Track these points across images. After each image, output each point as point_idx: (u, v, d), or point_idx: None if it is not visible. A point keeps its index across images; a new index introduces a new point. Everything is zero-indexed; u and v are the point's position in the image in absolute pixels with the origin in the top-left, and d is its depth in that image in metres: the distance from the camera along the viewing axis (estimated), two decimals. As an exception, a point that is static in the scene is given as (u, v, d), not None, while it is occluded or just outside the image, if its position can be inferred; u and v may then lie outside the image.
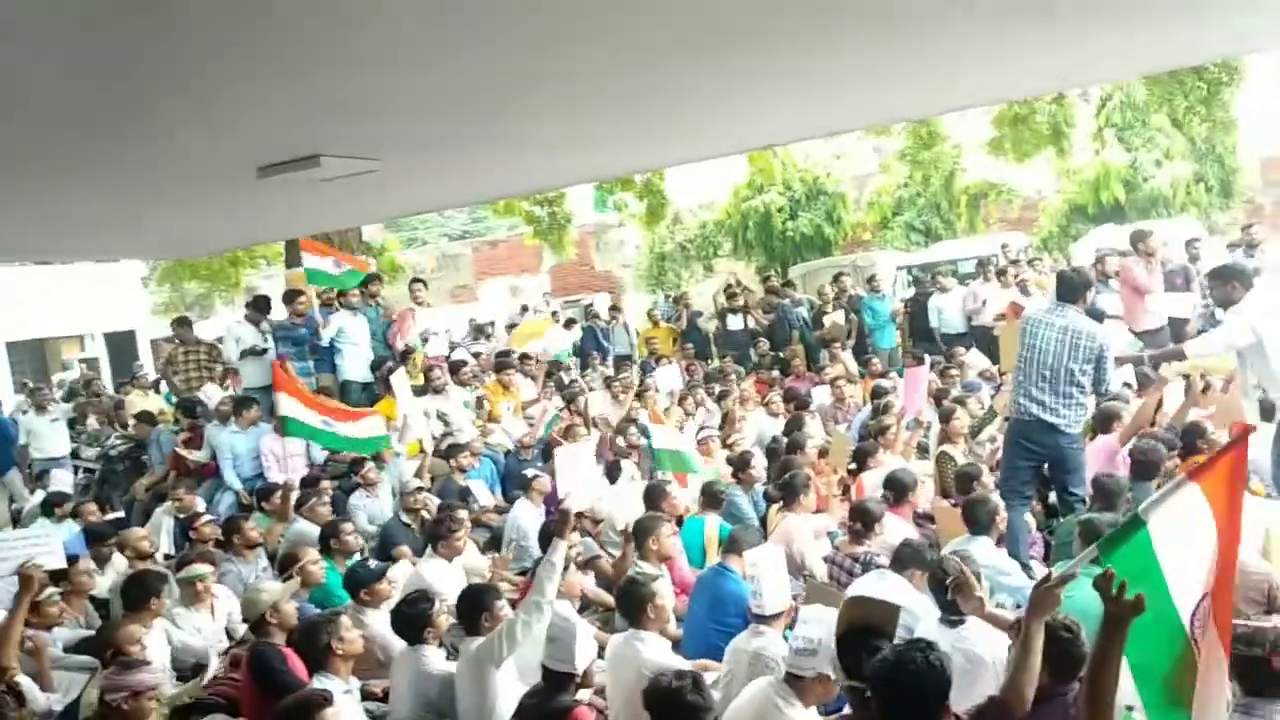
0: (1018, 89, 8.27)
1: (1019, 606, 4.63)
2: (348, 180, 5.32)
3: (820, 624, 3.57)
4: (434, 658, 4.56)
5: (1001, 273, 12.24)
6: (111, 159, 4.37)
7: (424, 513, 7.17)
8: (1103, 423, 6.56)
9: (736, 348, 12.83)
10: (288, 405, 8.04)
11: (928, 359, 9.42)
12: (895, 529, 5.59)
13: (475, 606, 4.47)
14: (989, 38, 4.56)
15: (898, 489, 6.05)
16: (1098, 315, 9.80)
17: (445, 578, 5.85)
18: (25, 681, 4.85)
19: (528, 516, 7.09)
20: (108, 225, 6.66)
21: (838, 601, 4.85)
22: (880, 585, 4.61)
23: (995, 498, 5.26)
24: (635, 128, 5.53)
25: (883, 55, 4.59)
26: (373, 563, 5.99)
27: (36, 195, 5.10)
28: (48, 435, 11.46)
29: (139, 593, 5.29)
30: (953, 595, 3.80)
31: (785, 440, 7.90)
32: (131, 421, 10.90)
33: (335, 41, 3.13)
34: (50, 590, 5.51)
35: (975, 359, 10.48)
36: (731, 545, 5.29)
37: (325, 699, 3.46)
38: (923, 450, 7.92)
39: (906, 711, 2.78)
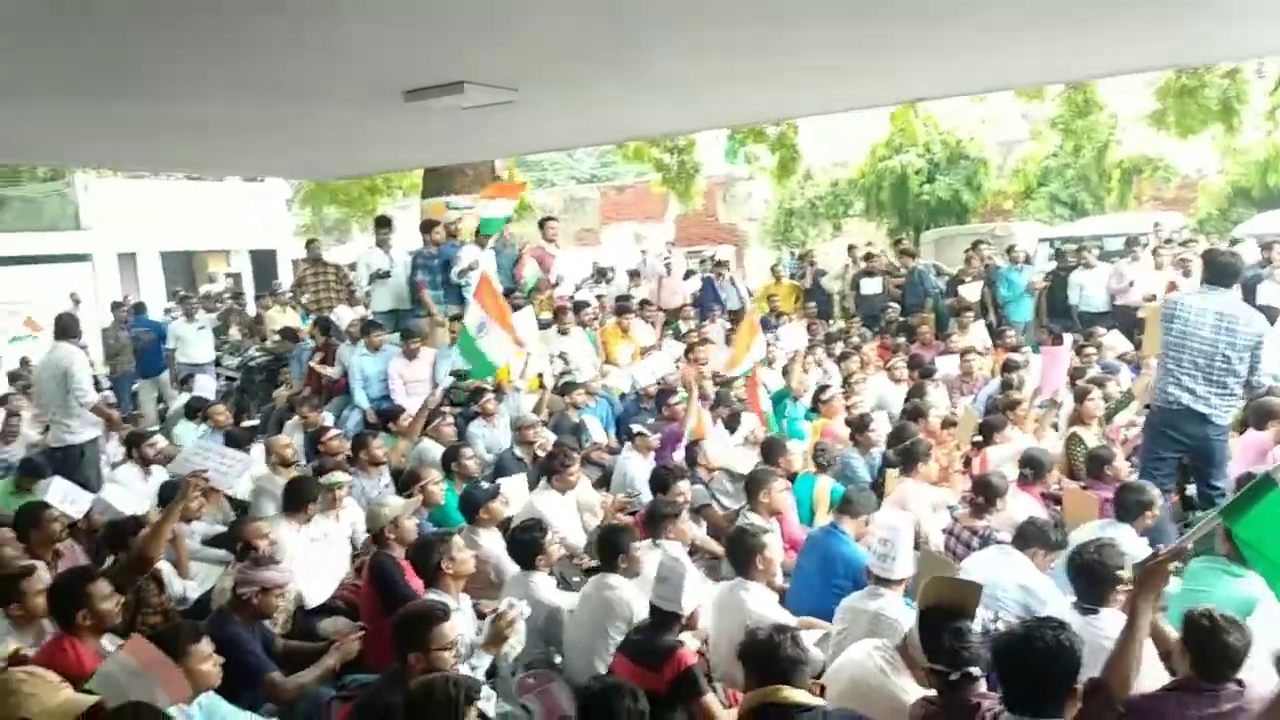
0: (1193, 55, 7.71)
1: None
2: (485, 112, 5.39)
3: None
4: (544, 585, 4.67)
5: (1154, 252, 11.57)
6: (268, 78, 4.51)
7: (538, 447, 7.31)
8: (1260, 418, 6.15)
9: (870, 311, 12.53)
10: (471, 316, 7.91)
11: (1068, 338, 9.02)
12: (1020, 506, 5.41)
13: (613, 548, 4.49)
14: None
15: (1035, 468, 5.85)
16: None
17: (558, 510, 5.97)
18: (166, 569, 5.20)
19: (635, 465, 7.16)
20: (260, 143, 6.92)
21: (952, 573, 4.77)
22: (1001, 561, 4.49)
23: (1154, 491, 5.00)
24: (773, 74, 5.39)
25: (1041, 6, 4.34)
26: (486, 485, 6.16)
27: (196, 112, 5.32)
28: (194, 342, 12.15)
29: (298, 497, 5.59)
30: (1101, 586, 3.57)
31: (909, 407, 7.71)
32: (274, 336, 11.42)
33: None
34: (191, 484, 5.86)
35: (1115, 340, 9.98)
36: (844, 507, 5.21)
37: (445, 612, 3.56)
38: (1053, 429, 7.61)
39: (1031, 690, 2.67)
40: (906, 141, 20.07)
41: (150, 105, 4.97)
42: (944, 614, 3.19)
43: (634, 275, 14.52)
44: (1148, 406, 5.69)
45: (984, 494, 5.32)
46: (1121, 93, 17.47)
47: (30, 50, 3.83)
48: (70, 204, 21.77)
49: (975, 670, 3.02)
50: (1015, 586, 4.31)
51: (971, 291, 12.06)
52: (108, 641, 3.89)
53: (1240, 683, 2.85)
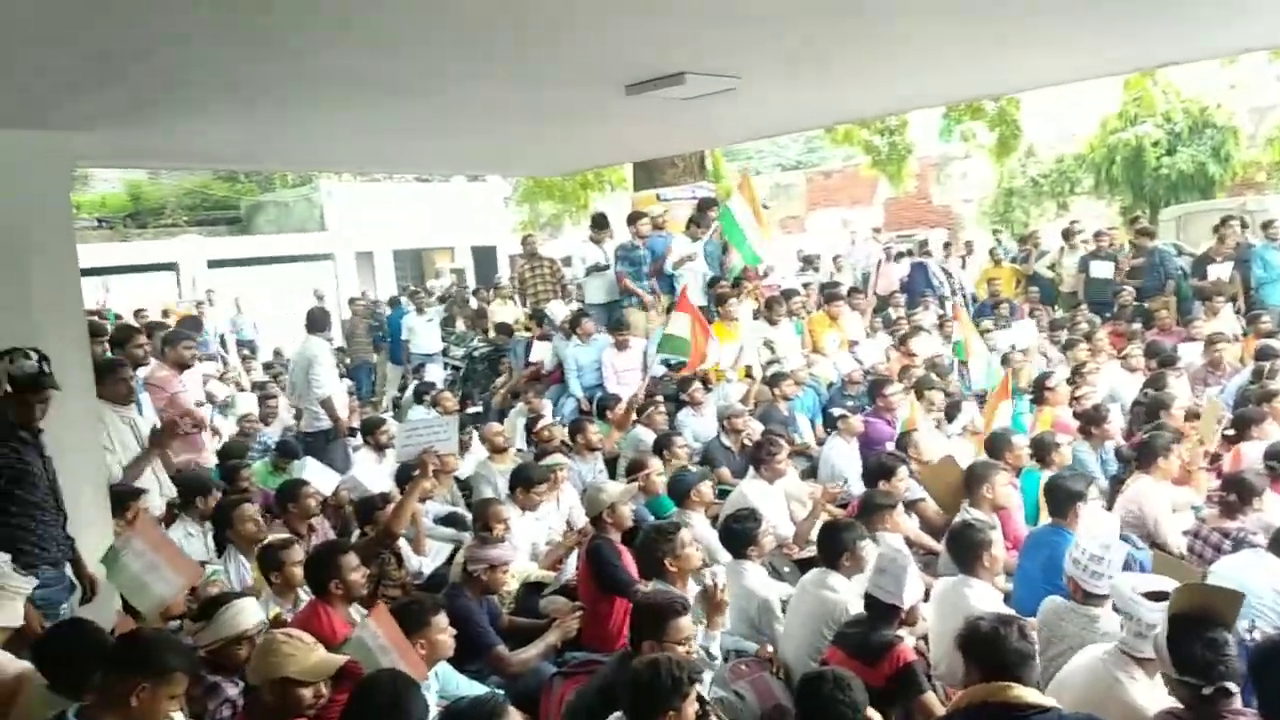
0: None
1: None
2: (702, 101, 5.41)
3: (1156, 611, 3.22)
4: (755, 576, 4.69)
5: None
6: (489, 75, 4.72)
7: (745, 436, 7.32)
8: None
9: (1100, 296, 11.70)
10: (677, 324, 8.29)
11: None
12: (1276, 506, 4.92)
13: (837, 545, 4.39)
14: None
15: (1284, 462, 5.31)
16: None
17: (766, 499, 5.97)
18: (403, 545, 5.60)
19: (840, 453, 7.03)
20: (485, 142, 7.27)
21: (1191, 578, 4.39)
22: (1256, 565, 4.11)
23: None
24: (1001, 42, 5.10)
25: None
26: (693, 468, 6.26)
27: (425, 113, 5.64)
28: (424, 333, 13.05)
29: (524, 481, 5.90)
30: None
31: (1147, 398, 7.16)
32: (492, 331, 12.08)
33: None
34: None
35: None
36: (1052, 503, 4.91)
37: (685, 606, 3.60)
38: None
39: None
40: (1143, 112, 18.54)
41: (393, 108, 5.32)
42: (1197, 623, 2.93)
43: (833, 260, 14.29)
44: None
45: (1237, 492, 4.88)
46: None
47: (291, 61, 4.20)
48: (316, 207, 23.83)
49: (1231, 685, 2.78)
50: (1272, 593, 3.94)
51: (1222, 272, 11.01)
52: (354, 611, 4.25)
53: None
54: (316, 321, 8.31)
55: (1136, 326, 10.28)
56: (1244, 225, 12.08)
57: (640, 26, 4.04)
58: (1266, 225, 11.56)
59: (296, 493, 5.78)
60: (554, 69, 4.66)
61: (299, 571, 4.49)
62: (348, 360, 14.30)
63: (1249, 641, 3.56)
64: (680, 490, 5.74)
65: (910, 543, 5.77)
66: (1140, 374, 8.43)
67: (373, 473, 7.16)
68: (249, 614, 3.70)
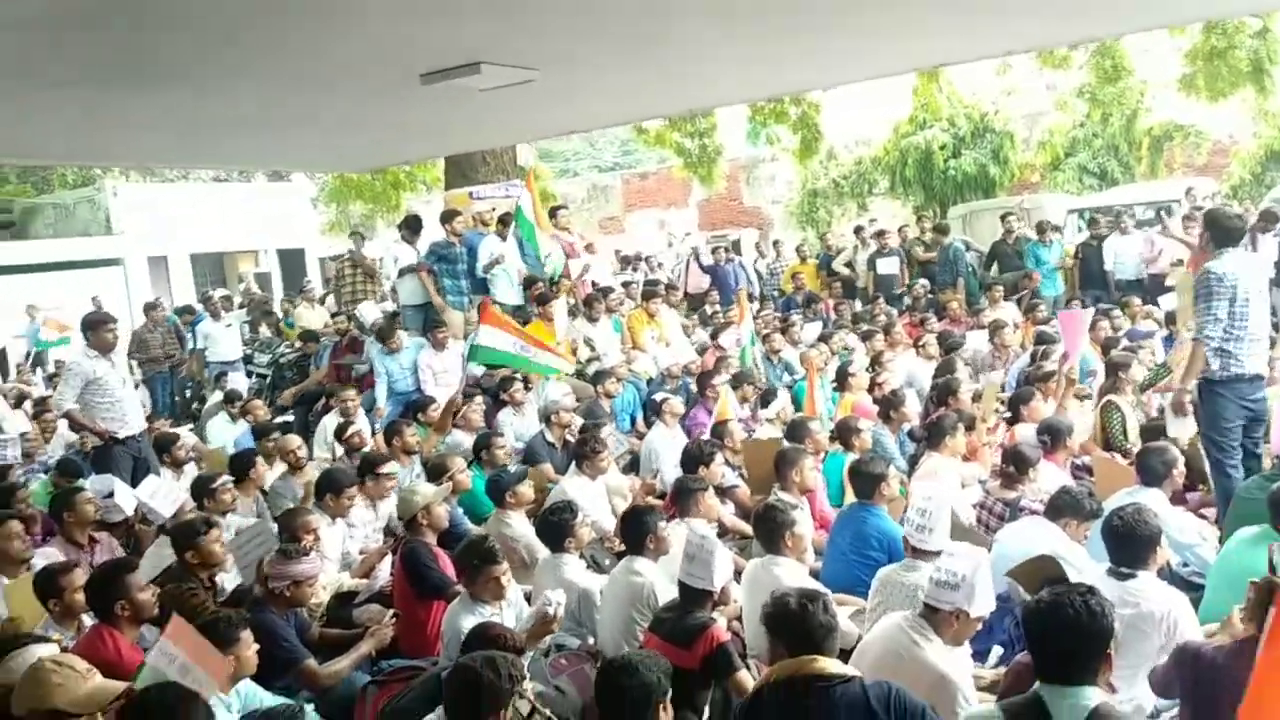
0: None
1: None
2: (505, 95, 5.36)
3: (967, 559, 3.45)
4: (574, 567, 4.68)
5: (1186, 219, 11.36)
6: (285, 66, 4.52)
7: (568, 432, 7.32)
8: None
9: (888, 290, 12.45)
10: (487, 336, 8.13)
11: (1080, 306, 8.89)
12: (1050, 476, 5.35)
13: (641, 528, 4.43)
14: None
15: (1053, 435, 5.79)
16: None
17: (588, 494, 5.99)
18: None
19: (662, 440, 7.15)
20: (283, 136, 6.95)
21: (980, 542, 4.72)
22: (1033, 531, 4.44)
23: (1174, 449, 4.92)
24: (796, 42, 5.32)
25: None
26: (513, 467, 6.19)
27: (208, 102, 5.33)
28: (223, 340, 12.30)
29: (334, 486, 5.63)
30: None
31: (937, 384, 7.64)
32: (298, 343, 11.56)
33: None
34: (224, 478, 5.94)
35: (1151, 309, 9.86)
36: (855, 482, 5.16)
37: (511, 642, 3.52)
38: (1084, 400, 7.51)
39: (1062, 658, 2.60)
40: (930, 117, 19.86)
41: (177, 97, 4.99)
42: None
43: (646, 260, 14.61)
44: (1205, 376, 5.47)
45: (1015, 464, 5.28)
46: (1150, 58, 17.16)
47: (60, 42, 3.86)
48: (100, 209, 22.09)
49: None
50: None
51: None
52: (147, 631, 3.95)
53: None
54: (87, 328, 7.64)
55: (930, 316, 10.98)
56: (1019, 219, 13.20)
57: (433, 14, 3.96)
58: (1039, 226, 12.64)
59: (71, 499, 5.37)
60: (345, 55, 4.50)
61: (81, 598, 4.13)
62: (140, 372, 13.33)
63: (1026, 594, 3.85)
64: (498, 491, 5.66)
65: (725, 529, 5.95)
66: (935, 361, 8.99)
67: (170, 489, 6.69)
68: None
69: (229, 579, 5.45)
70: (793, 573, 4.23)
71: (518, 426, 7.93)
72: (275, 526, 5.32)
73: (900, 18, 4.97)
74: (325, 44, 4.21)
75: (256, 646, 3.66)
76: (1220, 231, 5.46)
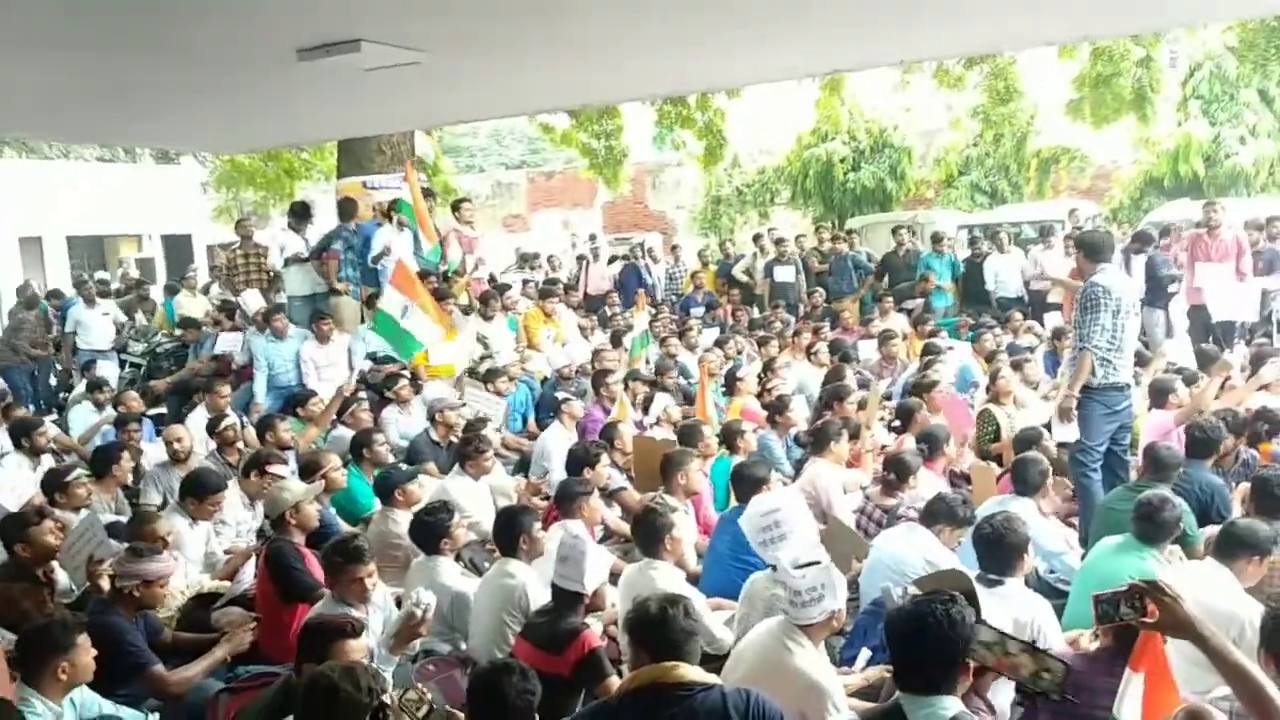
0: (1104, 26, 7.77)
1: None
2: (392, 79, 5.17)
3: (821, 570, 3.43)
4: (448, 570, 4.54)
5: (1067, 240, 11.80)
6: (149, 33, 4.24)
7: (452, 433, 7.14)
8: (1157, 397, 6.30)
9: (785, 298, 12.62)
10: (389, 299, 7.92)
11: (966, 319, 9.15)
12: (928, 483, 5.44)
13: (513, 528, 4.34)
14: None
15: (931, 443, 5.89)
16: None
17: (471, 496, 5.83)
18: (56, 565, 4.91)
19: (556, 441, 7.04)
20: (151, 109, 6.55)
21: (860, 545, 4.76)
22: (906, 537, 4.48)
23: (1046, 461, 5.06)
24: (693, 39, 5.28)
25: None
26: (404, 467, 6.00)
27: (74, 71, 4.99)
28: (95, 327, 11.65)
29: (197, 490, 5.32)
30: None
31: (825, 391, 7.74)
32: (178, 330, 11.05)
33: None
34: (78, 472, 5.59)
35: (1033, 324, 10.23)
36: (738, 487, 5.16)
37: (356, 629, 3.33)
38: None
39: (922, 666, 2.61)
40: (832, 130, 20.22)
41: (40, 64, 4.65)
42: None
43: (547, 260, 14.54)
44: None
45: (895, 471, 5.35)
46: (1041, 82, 17.81)
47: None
48: (-36, 186, 20.78)
49: None
50: (921, 562, 4.30)
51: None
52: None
53: None
54: None
55: (825, 325, 11.14)
56: (912, 233, 13.54)
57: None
58: (935, 237, 12.97)
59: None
60: (217, 24, 4.24)
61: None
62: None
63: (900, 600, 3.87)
64: (385, 488, 5.47)
65: (611, 532, 5.87)
66: (826, 368, 9.11)
67: (22, 480, 6.27)
68: None
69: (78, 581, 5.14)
70: (670, 577, 4.19)
71: (403, 425, 7.72)
72: (103, 519, 5.04)
73: (806, 18, 4.96)
74: (195, 9, 3.96)
75: (95, 652, 3.44)
76: (1091, 248, 5.74)
